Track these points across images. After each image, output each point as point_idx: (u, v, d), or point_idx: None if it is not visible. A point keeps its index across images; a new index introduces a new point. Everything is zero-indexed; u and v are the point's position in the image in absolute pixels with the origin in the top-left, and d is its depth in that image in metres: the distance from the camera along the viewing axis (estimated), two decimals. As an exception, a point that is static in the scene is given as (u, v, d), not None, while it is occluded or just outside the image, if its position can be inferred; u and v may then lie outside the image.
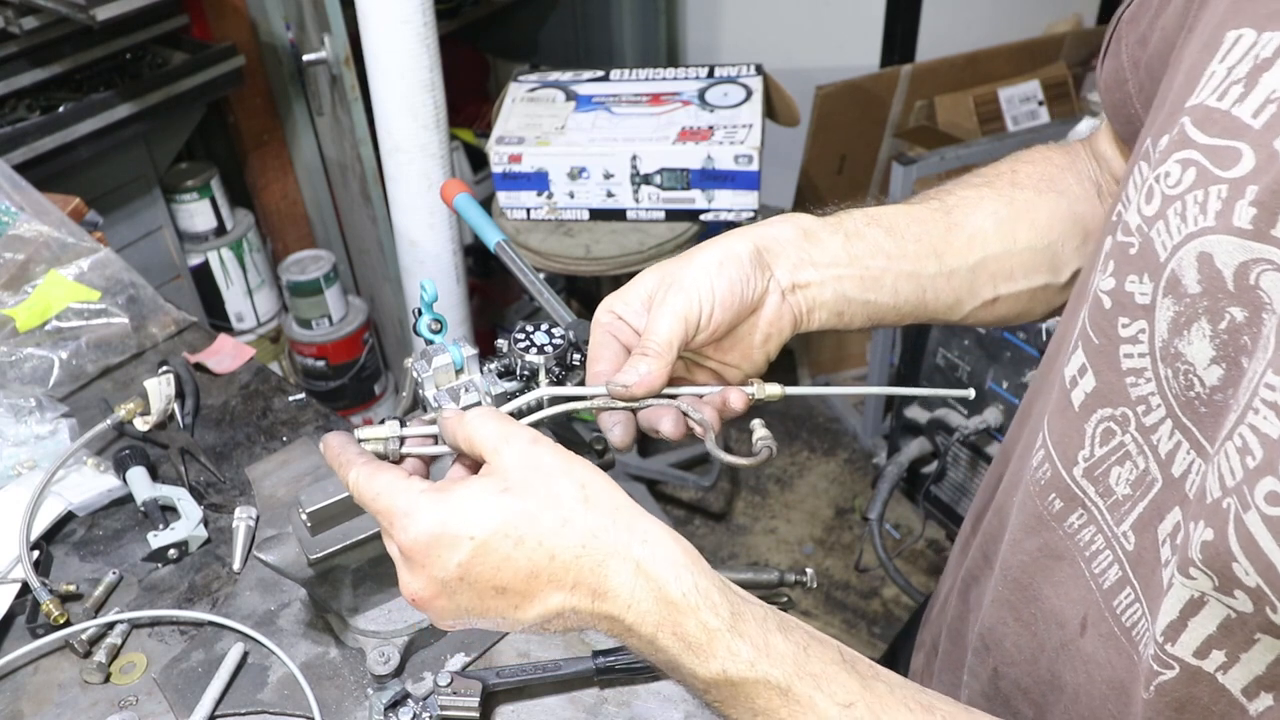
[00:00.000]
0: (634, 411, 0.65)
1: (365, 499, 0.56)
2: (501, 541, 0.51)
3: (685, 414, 0.65)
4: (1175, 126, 0.52)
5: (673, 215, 1.92)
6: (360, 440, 0.61)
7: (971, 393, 0.76)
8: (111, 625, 0.87)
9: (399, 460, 0.62)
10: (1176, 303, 0.51)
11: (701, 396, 0.67)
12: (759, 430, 0.67)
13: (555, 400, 0.66)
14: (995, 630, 0.68)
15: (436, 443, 0.63)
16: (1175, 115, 0.53)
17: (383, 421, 0.63)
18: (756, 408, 0.69)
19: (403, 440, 0.62)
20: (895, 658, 1.05)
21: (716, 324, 0.64)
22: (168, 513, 0.97)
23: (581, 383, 0.74)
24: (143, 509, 0.97)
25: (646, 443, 2.63)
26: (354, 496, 0.57)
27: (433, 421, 0.73)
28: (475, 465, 0.58)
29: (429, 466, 0.63)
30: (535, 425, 0.62)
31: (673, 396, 0.65)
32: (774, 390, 0.68)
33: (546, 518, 0.52)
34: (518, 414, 0.65)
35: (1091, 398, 0.58)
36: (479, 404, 0.72)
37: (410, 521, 0.53)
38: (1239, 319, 0.48)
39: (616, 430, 0.66)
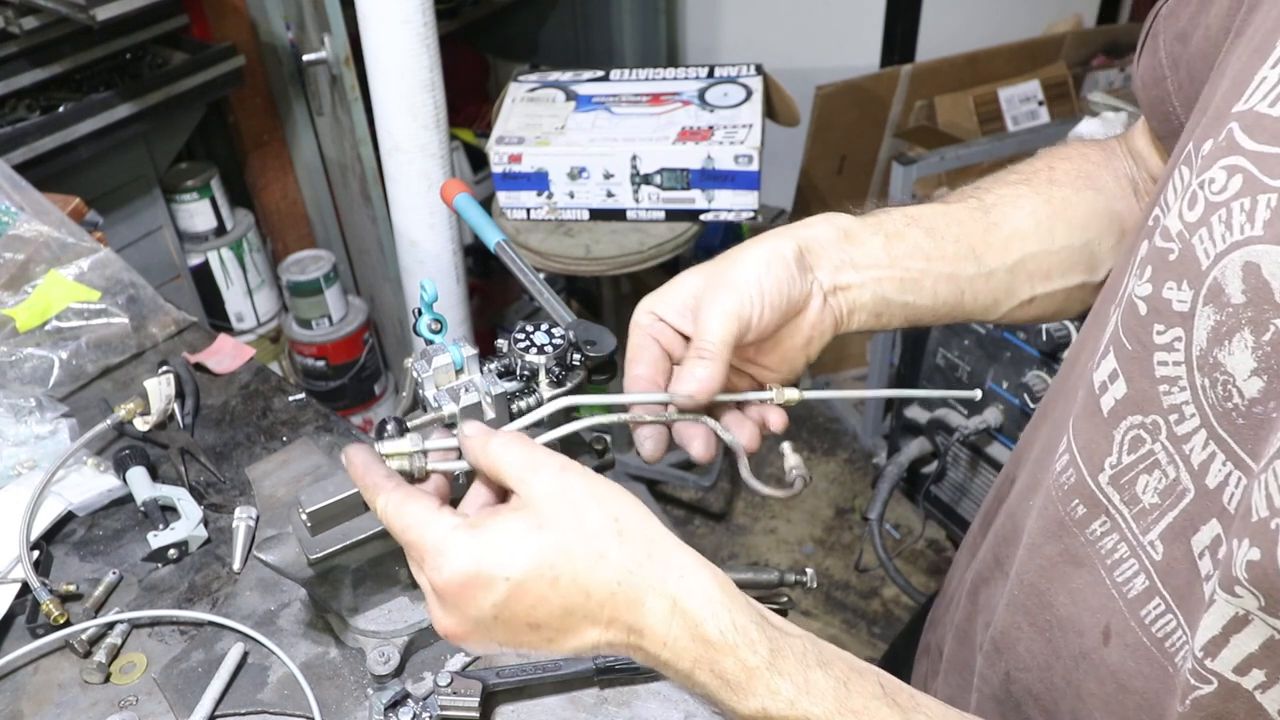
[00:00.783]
0: (669, 425, 0.64)
1: (395, 530, 0.54)
2: (536, 582, 0.50)
3: (719, 435, 0.63)
4: (1222, 131, 0.51)
5: (673, 215, 1.92)
6: (384, 455, 0.59)
7: (978, 394, 0.76)
8: (111, 625, 0.87)
9: (425, 477, 0.60)
10: (1218, 311, 0.50)
11: (740, 407, 0.66)
12: (790, 457, 0.65)
13: (575, 411, 0.65)
14: (1008, 634, 0.67)
15: (459, 457, 0.61)
16: (1222, 120, 0.52)
17: (403, 434, 0.60)
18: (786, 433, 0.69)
19: (426, 454, 0.60)
20: (896, 659, 1.05)
21: (766, 324, 0.63)
22: (168, 513, 0.97)
23: (596, 381, 0.74)
24: (143, 509, 0.97)
25: (646, 443, 2.63)
26: (381, 521, 0.55)
27: (452, 427, 0.73)
28: (499, 487, 0.57)
29: (452, 482, 0.62)
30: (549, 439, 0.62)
31: (707, 410, 0.64)
32: (792, 394, 0.67)
33: (581, 553, 0.51)
34: (547, 423, 0.63)
35: (1122, 404, 0.57)
36: (478, 403, 0.72)
37: (444, 561, 0.51)
38: None
39: (649, 444, 0.65)
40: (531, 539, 0.51)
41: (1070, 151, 0.77)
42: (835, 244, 0.66)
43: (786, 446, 0.66)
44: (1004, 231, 0.70)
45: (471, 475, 0.60)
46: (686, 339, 0.65)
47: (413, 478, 0.59)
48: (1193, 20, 0.64)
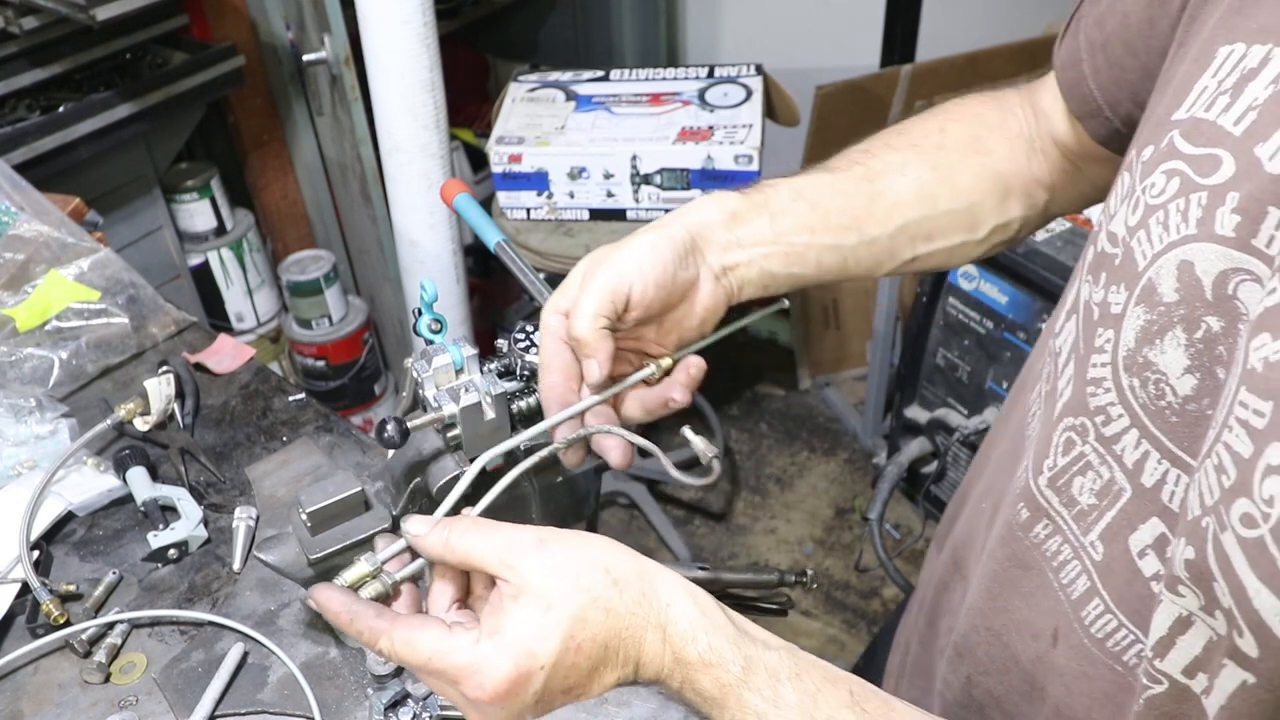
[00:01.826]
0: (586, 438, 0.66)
1: (415, 665, 0.54)
2: (565, 655, 0.52)
3: (635, 444, 0.65)
4: (1164, 139, 0.53)
5: (673, 215, 1.92)
6: (350, 586, 0.57)
7: (785, 303, 0.77)
8: (111, 625, 0.87)
9: (397, 593, 0.59)
10: (1149, 311, 0.51)
11: (649, 383, 0.68)
12: (695, 441, 0.67)
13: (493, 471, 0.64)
14: (969, 639, 0.68)
15: (413, 557, 0.59)
16: (1163, 128, 0.53)
17: (353, 562, 0.59)
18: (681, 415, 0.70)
19: (382, 569, 0.58)
20: (875, 654, 1.05)
21: (649, 302, 0.65)
22: (168, 513, 0.97)
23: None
24: (143, 509, 0.97)
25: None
26: (395, 661, 0.55)
27: (451, 427, 0.73)
28: (460, 575, 0.58)
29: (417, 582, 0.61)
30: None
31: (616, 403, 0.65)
32: (665, 361, 0.69)
33: (592, 616, 0.53)
34: (476, 493, 0.62)
35: (1064, 407, 0.59)
36: (478, 403, 0.72)
37: (483, 678, 0.52)
38: (1215, 329, 0.48)
39: (570, 454, 0.67)
40: (549, 622, 0.52)
41: (964, 112, 0.79)
42: (722, 226, 0.69)
43: (687, 430, 0.68)
44: (887, 200, 0.73)
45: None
46: None
47: (387, 597, 0.58)
48: (1109, 6, 0.66)
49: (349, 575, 0.58)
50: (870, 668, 1.03)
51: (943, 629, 0.77)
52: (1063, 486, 0.59)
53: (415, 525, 0.57)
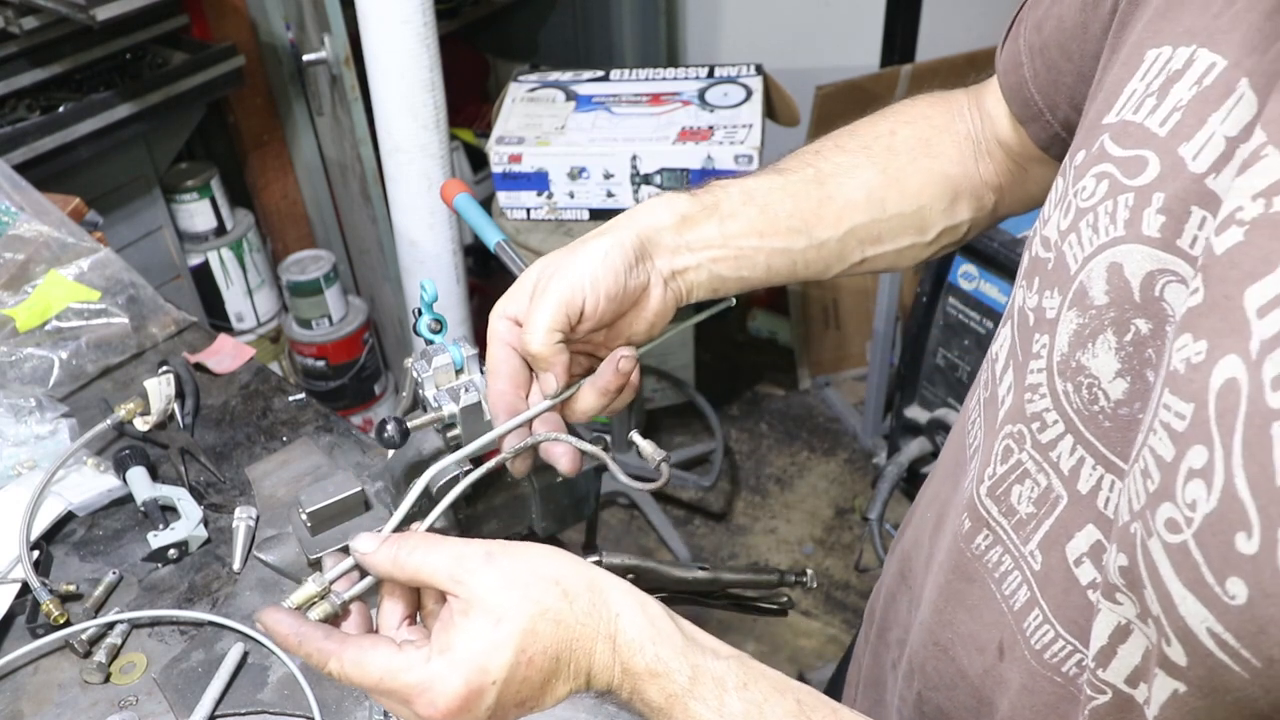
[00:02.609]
0: (534, 447, 0.66)
1: (367, 686, 0.53)
2: (517, 669, 0.52)
3: (581, 450, 0.65)
4: (1095, 143, 0.53)
5: (673, 215, 1.92)
6: (297, 608, 0.56)
7: (732, 301, 0.76)
8: (111, 625, 0.87)
9: (346, 612, 0.58)
10: (1081, 315, 0.51)
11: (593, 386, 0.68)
12: (643, 445, 0.67)
13: (446, 482, 0.64)
14: (919, 654, 0.68)
15: (361, 575, 0.58)
16: (1095, 132, 0.54)
17: (300, 583, 0.58)
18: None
19: (331, 588, 0.58)
20: (845, 664, 1.05)
21: (602, 313, 0.64)
22: (168, 513, 0.97)
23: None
24: (143, 509, 0.97)
25: (646, 443, 2.62)
26: (344, 683, 0.54)
27: (450, 428, 0.73)
28: (410, 593, 0.57)
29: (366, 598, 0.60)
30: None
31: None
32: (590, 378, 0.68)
33: (542, 628, 0.52)
34: (422, 511, 0.62)
35: (1005, 415, 0.59)
36: (478, 402, 0.72)
37: (435, 695, 0.51)
38: (1144, 331, 0.48)
39: (517, 463, 0.67)
40: (499, 636, 0.52)
41: (915, 113, 0.79)
42: (672, 230, 0.69)
43: (635, 435, 0.69)
44: (837, 204, 0.73)
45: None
46: None
47: (336, 618, 0.57)
48: (1047, 11, 0.67)
49: (296, 597, 0.56)
50: (839, 678, 1.02)
51: (892, 641, 0.77)
52: (1002, 495, 0.58)
53: (363, 543, 0.56)
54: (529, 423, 0.66)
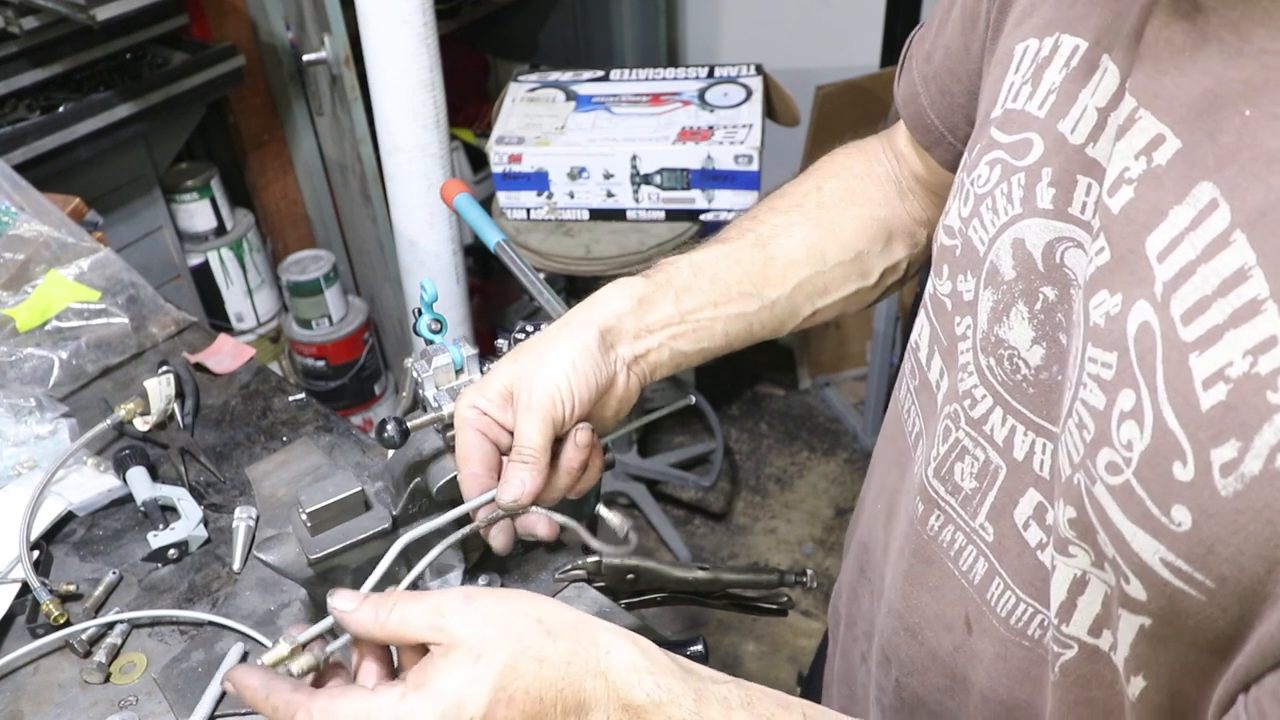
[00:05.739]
0: (513, 518, 0.68)
1: None
2: (496, 707, 0.50)
3: (557, 521, 0.67)
4: (985, 135, 0.58)
5: (673, 215, 1.92)
6: (281, 662, 0.54)
7: (691, 399, 0.81)
8: (111, 625, 0.87)
9: (330, 662, 0.56)
10: (995, 292, 0.55)
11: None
12: (612, 518, 0.70)
13: (422, 543, 0.64)
14: (891, 641, 0.69)
15: (334, 634, 0.56)
16: (984, 127, 0.58)
17: (274, 643, 0.55)
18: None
19: (306, 645, 0.55)
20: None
21: (578, 416, 0.67)
22: (168, 513, 0.97)
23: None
24: (143, 509, 0.97)
25: (646, 443, 2.63)
26: None
27: (450, 429, 0.73)
28: (385, 653, 0.55)
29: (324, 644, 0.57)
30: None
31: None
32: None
33: (524, 666, 0.50)
34: (398, 573, 0.62)
35: (942, 398, 0.62)
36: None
37: None
38: (1051, 298, 0.52)
39: (499, 538, 0.68)
40: (479, 672, 0.50)
41: (835, 167, 0.83)
42: (631, 315, 0.71)
43: (602, 509, 0.72)
44: (780, 263, 0.76)
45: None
46: (507, 430, 0.68)
47: (319, 670, 0.55)
48: (933, 42, 0.72)
49: (268, 658, 0.54)
50: (814, 680, 1.03)
51: (859, 635, 0.78)
52: (946, 475, 0.61)
53: (342, 601, 0.53)
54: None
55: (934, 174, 0.78)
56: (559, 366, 0.66)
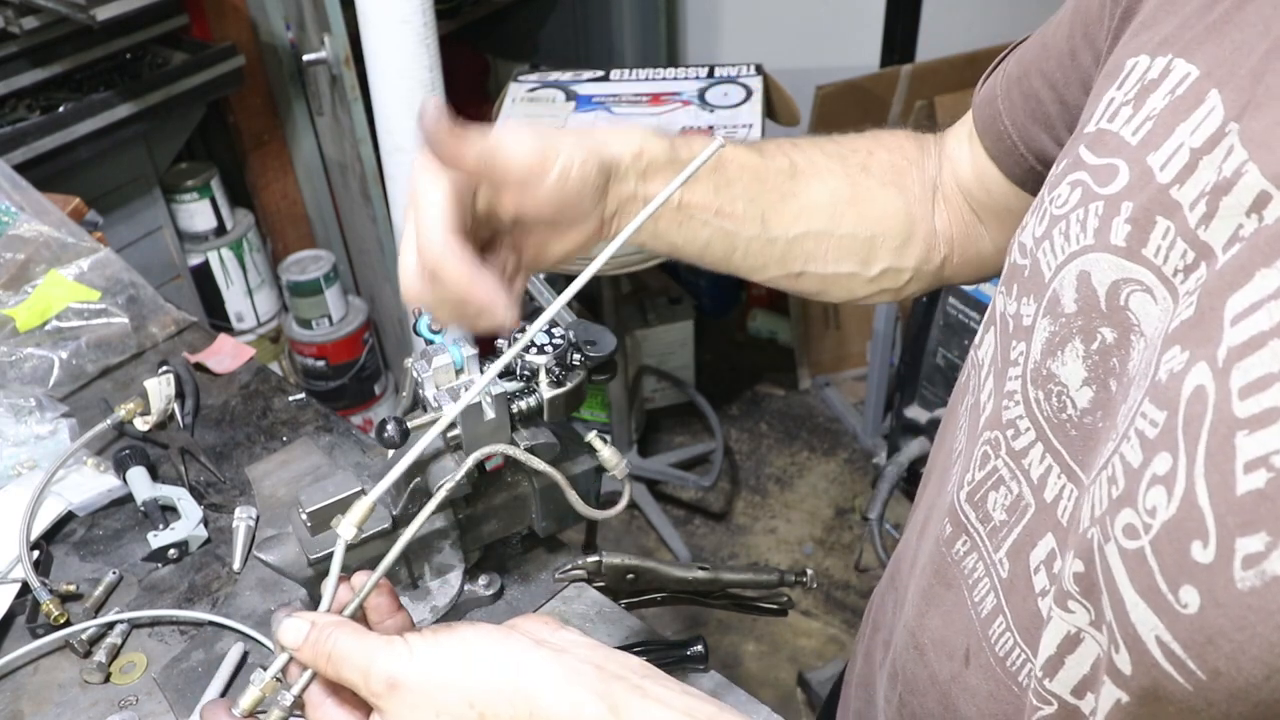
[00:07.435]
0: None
1: None
2: None
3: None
4: (1074, 151, 0.53)
5: (673, 215, 1.92)
6: (248, 713, 0.53)
7: (721, 142, 0.71)
8: (111, 625, 0.87)
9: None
10: (1053, 323, 0.51)
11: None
12: (603, 450, 0.69)
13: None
14: (900, 656, 0.67)
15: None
16: (1075, 143, 0.54)
17: (248, 684, 0.54)
18: None
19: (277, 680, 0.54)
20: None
21: (549, 195, 0.61)
22: (168, 513, 0.97)
23: (596, 381, 0.74)
24: (143, 509, 0.97)
25: (646, 442, 2.63)
26: None
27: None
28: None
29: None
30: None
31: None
32: None
33: None
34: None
35: (984, 421, 0.58)
36: (478, 402, 0.72)
37: None
38: (1109, 340, 0.48)
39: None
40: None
41: (893, 142, 0.77)
42: (636, 176, 0.65)
43: (595, 440, 0.71)
44: (798, 203, 0.71)
45: None
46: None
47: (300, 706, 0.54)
48: (1033, 40, 0.67)
49: (245, 703, 0.53)
50: (841, 678, 1.02)
51: (880, 642, 0.76)
52: (979, 501, 0.58)
53: (284, 634, 0.52)
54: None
55: (986, 189, 0.72)
56: (574, 138, 0.61)
